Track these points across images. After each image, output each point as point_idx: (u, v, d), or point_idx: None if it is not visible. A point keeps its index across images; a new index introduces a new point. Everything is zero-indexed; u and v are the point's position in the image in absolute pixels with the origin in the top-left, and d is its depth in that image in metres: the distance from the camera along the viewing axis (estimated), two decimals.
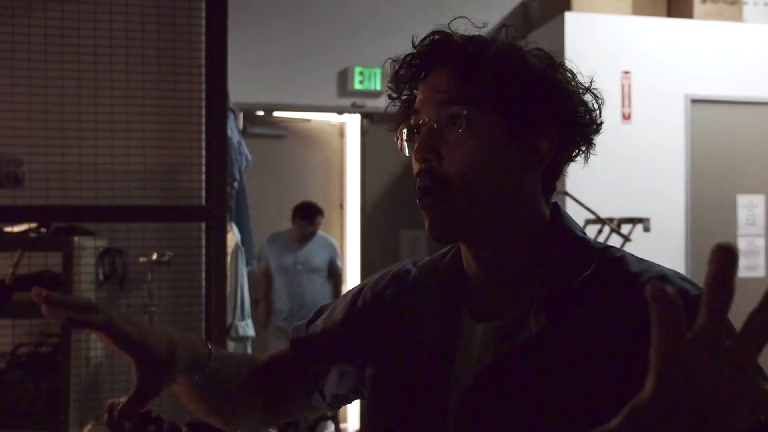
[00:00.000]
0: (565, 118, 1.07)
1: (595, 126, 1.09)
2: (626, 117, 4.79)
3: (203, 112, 3.12)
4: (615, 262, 1.04)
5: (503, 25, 1.10)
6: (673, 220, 4.82)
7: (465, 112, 1.02)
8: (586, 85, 1.09)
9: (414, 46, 1.09)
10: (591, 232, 4.39)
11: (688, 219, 4.86)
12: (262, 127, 5.43)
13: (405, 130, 1.10)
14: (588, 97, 1.09)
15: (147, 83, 3.26)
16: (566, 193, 4.39)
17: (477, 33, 1.09)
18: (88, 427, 2.54)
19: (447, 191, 1.03)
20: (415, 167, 1.07)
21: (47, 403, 3.07)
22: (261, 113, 5.43)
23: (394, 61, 1.12)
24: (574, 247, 1.07)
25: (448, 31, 1.08)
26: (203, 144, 3.14)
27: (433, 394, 1.08)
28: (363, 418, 5.41)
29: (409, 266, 1.24)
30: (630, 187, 4.75)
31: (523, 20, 5.48)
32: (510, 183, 1.05)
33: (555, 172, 1.10)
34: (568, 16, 4.75)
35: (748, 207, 5.00)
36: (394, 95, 1.13)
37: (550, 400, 0.98)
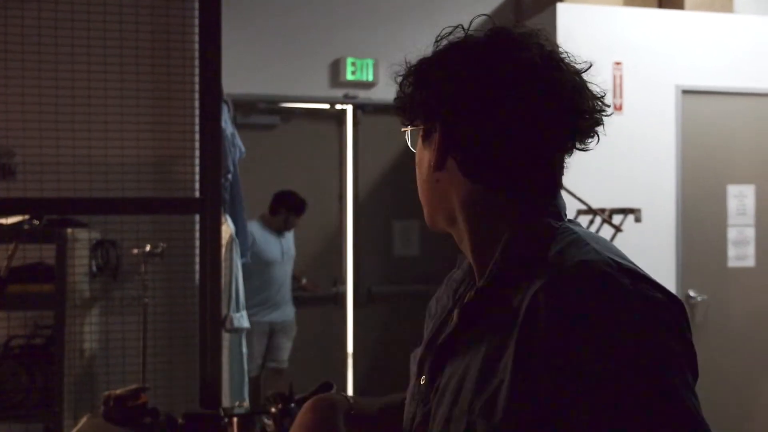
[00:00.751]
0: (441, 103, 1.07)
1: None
2: (618, 108, 4.80)
3: (197, 104, 3.12)
4: (554, 263, 0.97)
5: (440, 37, 1.11)
6: (664, 210, 4.85)
7: (407, 131, 1.16)
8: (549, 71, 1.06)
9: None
10: (582, 222, 4.40)
11: (679, 209, 4.88)
12: (255, 116, 5.41)
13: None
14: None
15: (141, 75, 3.26)
16: None
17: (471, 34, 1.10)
18: (84, 419, 2.55)
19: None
20: None
21: (41, 395, 3.07)
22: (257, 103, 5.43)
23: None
24: (524, 251, 1.02)
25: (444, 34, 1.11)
26: (197, 136, 3.14)
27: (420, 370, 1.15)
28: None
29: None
30: (621, 178, 4.77)
31: (514, 11, 5.48)
32: (436, 182, 1.11)
33: (466, 163, 1.06)
34: (560, 7, 4.76)
35: (738, 197, 5.03)
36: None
37: (472, 383, 1.00)
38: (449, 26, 1.10)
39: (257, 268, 4.90)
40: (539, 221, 1.05)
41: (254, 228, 5.08)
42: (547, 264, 0.97)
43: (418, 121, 1.11)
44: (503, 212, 1.06)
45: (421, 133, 1.12)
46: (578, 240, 1.01)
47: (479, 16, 1.18)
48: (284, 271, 5.30)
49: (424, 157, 1.12)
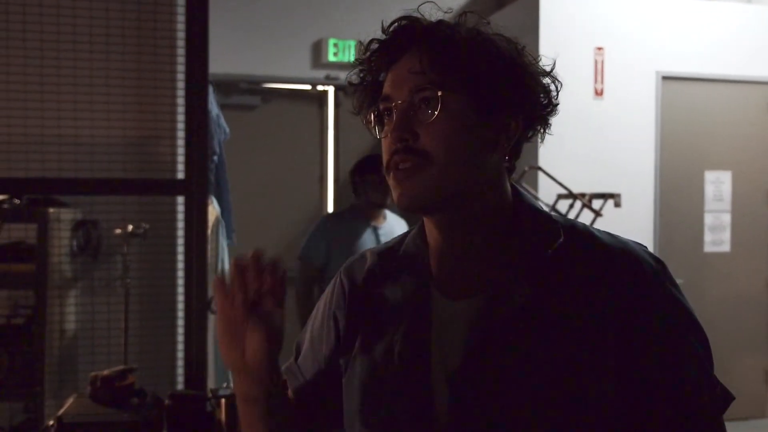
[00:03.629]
0: (531, 100, 1.11)
1: (552, 108, 1.14)
2: (599, 93, 4.84)
3: (180, 84, 3.10)
4: (583, 234, 1.12)
5: (464, 12, 1.13)
6: (642, 195, 4.91)
7: (439, 94, 1.06)
8: (547, 68, 1.14)
9: (383, 31, 1.12)
10: (563, 207, 4.45)
11: (657, 194, 4.94)
12: (236, 97, 5.38)
13: (373, 114, 1.14)
14: (547, 80, 1.13)
15: (127, 55, 3.23)
16: (539, 168, 4.44)
17: (442, 18, 1.12)
18: (71, 399, 2.55)
19: (425, 165, 1.07)
20: (390, 147, 1.10)
21: (22, 375, 3.06)
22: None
23: (362, 44, 1.14)
24: (541, 221, 1.13)
25: (418, 15, 1.11)
26: (179, 117, 3.13)
27: (413, 379, 1.10)
28: None
29: (357, 260, 1.26)
30: (601, 163, 4.81)
31: None
32: (481, 161, 1.09)
33: (517, 152, 1.15)
34: None
35: (715, 183, 5.09)
36: (363, 78, 1.15)
37: (545, 368, 1.03)
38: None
39: None
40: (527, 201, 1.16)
41: (335, 226, 3.87)
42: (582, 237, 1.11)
43: (474, 95, 1.08)
44: (507, 191, 1.15)
45: (473, 105, 1.07)
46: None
47: (450, 11, 1.15)
48: None
49: (472, 129, 1.08)
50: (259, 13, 5.22)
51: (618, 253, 1.09)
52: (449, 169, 1.06)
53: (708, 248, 5.02)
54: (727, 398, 1.09)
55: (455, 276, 1.13)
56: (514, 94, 1.09)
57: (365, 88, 1.15)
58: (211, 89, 3.31)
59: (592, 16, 4.86)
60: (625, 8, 4.93)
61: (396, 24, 1.11)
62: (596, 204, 4.35)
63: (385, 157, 1.11)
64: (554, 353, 1.03)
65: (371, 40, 1.13)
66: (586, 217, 4.30)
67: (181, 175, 3.15)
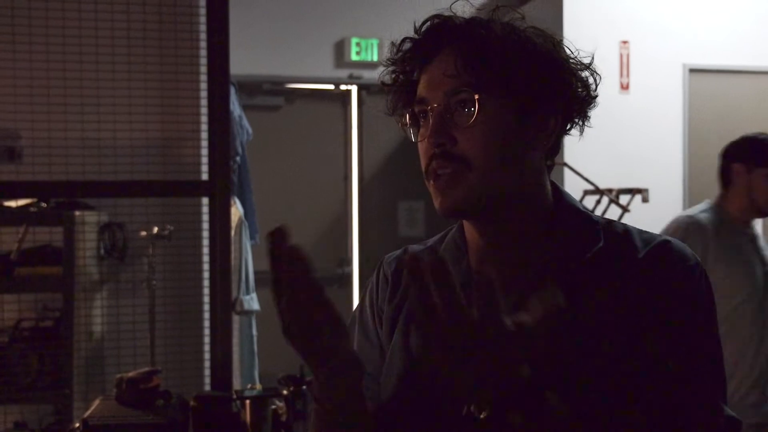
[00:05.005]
0: (569, 95, 1.09)
1: (591, 100, 1.12)
2: (624, 87, 4.79)
3: (203, 86, 3.10)
4: (622, 235, 1.09)
5: (497, 5, 1.11)
6: (671, 189, 4.84)
7: (476, 97, 1.04)
8: (585, 60, 1.12)
9: (416, 31, 1.10)
10: (589, 203, 4.40)
11: (686, 188, 4.88)
12: (259, 98, 5.39)
13: (408, 116, 1.12)
14: (585, 73, 1.11)
15: (148, 57, 3.24)
16: (565, 164, 4.40)
17: (475, 14, 1.10)
18: (97, 401, 2.56)
19: (465, 171, 1.05)
20: (427, 151, 1.07)
21: (51, 377, 3.08)
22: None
23: (393, 44, 1.12)
24: (580, 222, 1.11)
25: (450, 14, 1.09)
26: (203, 118, 3.13)
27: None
28: None
29: (400, 254, 1.24)
30: (628, 157, 4.76)
31: None
32: (520, 162, 1.07)
33: (556, 148, 1.13)
34: None
35: None
36: (395, 79, 1.13)
37: (581, 372, 1.01)
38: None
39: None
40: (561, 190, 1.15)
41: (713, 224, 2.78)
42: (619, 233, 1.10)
43: (519, 96, 1.06)
44: (548, 189, 1.13)
45: (511, 106, 1.06)
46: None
47: (482, 8, 1.13)
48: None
49: (511, 130, 1.06)
50: (282, 14, 5.22)
51: (660, 250, 1.07)
52: (489, 173, 1.05)
53: None
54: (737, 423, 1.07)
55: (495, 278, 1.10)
56: (552, 91, 1.07)
57: (398, 89, 1.13)
58: (233, 90, 3.31)
59: (617, 9, 4.81)
60: (650, 1, 4.87)
61: (428, 23, 1.09)
62: (623, 199, 4.30)
63: (423, 162, 1.09)
64: (590, 359, 1.02)
65: (404, 39, 1.10)
66: (613, 213, 4.25)
67: (205, 177, 3.16)
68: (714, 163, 4.94)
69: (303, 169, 5.35)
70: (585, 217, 1.12)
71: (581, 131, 1.15)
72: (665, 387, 1.02)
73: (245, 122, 3.54)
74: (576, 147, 4.75)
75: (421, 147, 1.09)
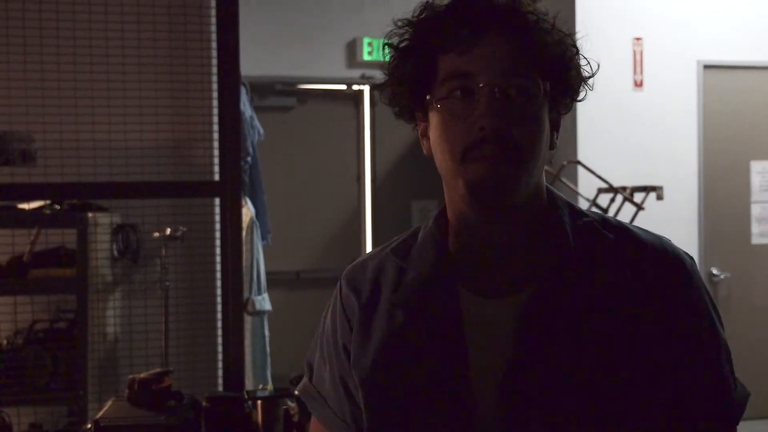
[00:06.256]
0: (578, 88, 1.08)
1: (584, 93, 1.10)
2: (638, 84, 4.75)
3: (214, 86, 3.11)
4: (619, 229, 1.09)
5: None
6: (686, 187, 4.81)
7: (539, 83, 1.00)
8: (584, 52, 1.08)
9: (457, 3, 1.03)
10: (604, 200, 4.38)
11: (701, 186, 4.84)
12: (272, 98, 5.40)
13: (435, 88, 1.03)
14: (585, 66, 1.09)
15: (159, 58, 3.25)
16: (578, 162, 4.37)
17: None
18: (109, 402, 2.57)
19: (518, 160, 1.00)
20: (470, 133, 0.99)
21: (65, 379, 3.09)
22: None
23: (427, 7, 1.04)
24: (576, 217, 1.09)
25: None
26: (215, 119, 3.13)
27: (451, 384, 1.03)
28: None
29: (358, 266, 1.18)
30: (642, 155, 4.73)
31: None
32: (546, 155, 1.06)
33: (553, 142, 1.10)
34: None
35: (761, 173, 4.97)
36: (411, 46, 1.05)
37: (600, 364, 1.00)
38: None
39: None
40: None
41: None
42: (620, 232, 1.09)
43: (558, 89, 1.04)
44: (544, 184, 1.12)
45: (543, 98, 1.02)
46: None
47: None
48: None
49: (545, 123, 1.04)
50: (293, 15, 5.22)
51: (659, 249, 1.07)
52: (535, 165, 1.02)
53: (756, 240, 4.90)
54: (747, 395, 1.09)
55: (489, 273, 1.06)
56: (578, 81, 1.06)
57: (416, 59, 1.04)
58: (244, 90, 3.31)
59: (630, 5, 4.78)
60: None
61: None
62: (638, 197, 4.27)
63: (462, 143, 1.00)
64: (607, 350, 1.01)
65: (451, 7, 1.02)
66: (627, 211, 4.22)
67: (216, 177, 3.16)
68: (730, 159, 4.91)
69: (315, 170, 5.35)
70: (577, 210, 1.11)
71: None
72: (667, 388, 1.03)
73: (256, 122, 3.54)
74: (590, 145, 4.75)
75: (461, 126, 1.00)
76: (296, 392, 1.27)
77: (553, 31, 1.03)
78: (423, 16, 1.04)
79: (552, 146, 1.07)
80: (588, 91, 1.09)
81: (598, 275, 1.04)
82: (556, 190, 1.13)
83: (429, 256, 1.10)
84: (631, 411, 1.00)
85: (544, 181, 1.10)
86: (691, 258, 1.09)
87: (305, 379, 1.24)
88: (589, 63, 1.08)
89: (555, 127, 1.07)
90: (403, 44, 1.06)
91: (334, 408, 1.17)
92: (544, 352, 1.01)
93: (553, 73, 1.02)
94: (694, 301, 1.06)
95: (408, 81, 1.05)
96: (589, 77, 1.07)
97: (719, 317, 1.09)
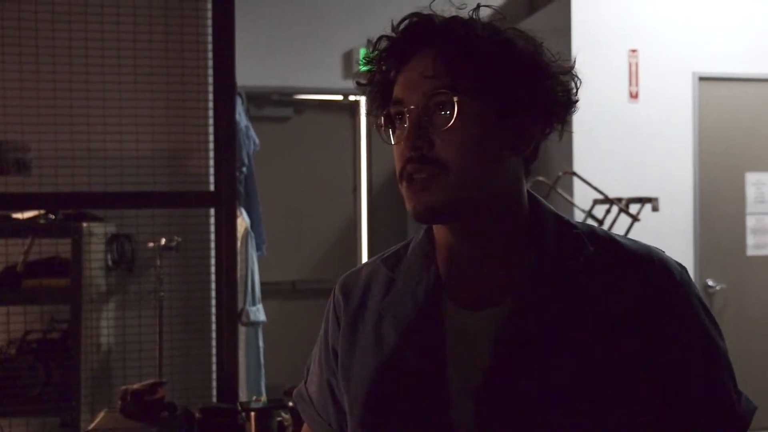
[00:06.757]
0: (550, 100, 1.06)
1: (572, 106, 1.09)
2: (633, 96, 4.76)
3: (210, 96, 3.11)
4: (606, 241, 1.08)
5: (478, 4, 1.07)
6: (681, 198, 4.80)
7: (456, 99, 1.00)
8: (566, 65, 1.08)
9: (393, 29, 1.06)
10: (599, 212, 4.37)
11: (697, 198, 4.84)
12: (268, 109, 5.40)
13: (383, 118, 1.07)
14: (565, 77, 1.08)
15: (154, 68, 3.25)
16: (574, 173, 4.37)
17: (456, 14, 1.06)
18: (101, 413, 2.56)
19: (441, 174, 1.01)
20: (403, 154, 1.04)
21: (58, 389, 3.08)
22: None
23: (371, 42, 1.08)
24: (561, 228, 1.08)
25: (430, 12, 1.06)
26: (210, 129, 3.13)
27: (429, 394, 1.04)
28: None
29: (353, 274, 1.21)
30: (638, 166, 4.73)
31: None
32: (500, 167, 1.04)
33: (535, 155, 1.09)
34: None
35: (756, 185, 4.97)
36: (372, 79, 1.09)
37: (577, 379, 0.99)
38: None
39: None
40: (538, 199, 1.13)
41: None
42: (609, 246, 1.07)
43: (499, 98, 1.02)
44: (525, 195, 1.10)
45: (490, 109, 1.02)
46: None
47: (464, 6, 1.10)
48: None
49: (491, 135, 1.03)
50: (290, 25, 5.23)
51: (645, 259, 1.05)
52: (467, 177, 1.01)
53: (751, 252, 4.90)
54: (752, 409, 1.06)
55: (471, 285, 1.07)
56: (533, 96, 1.03)
57: (375, 89, 1.09)
58: (239, 101, 3.31)
59: (626, 18, 4.79)
60: (659, 9, 4.84)
61: (407, 21, 1.05)
62: (633, 209, 4.26)
63: (398, 165, 1.05)
64: (585, 365, 0.99)
65: (380, 37, 1.07)
66: (623, 222, 4.22)
67: (212, 188, 3.16)
68: (725, 171, 4.92)
69: (311, 180, 5.35)
70: (565, 221, 1.10)
71: (560, 136, 1.11)
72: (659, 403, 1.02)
73: (252, 133, 3.54)
74: (585, 156, 4.75)
75: (397, 150, 1.05)
76: (293, 396, 1.31)
77: (493, 43, 1.02)
78: (378, 48, 1.08)
79: (517, 152, 1.05)
80: (574, 102, 1.08)
81: (578, 287, 1.03)
82: (544, 202, 1.12)
83: (416, 268, 1.12)
84: (611, 424, 0.99)
85: (524, 191, 1.09)
86: (683, 267, 1.07)
87: (301, 383, 1.28)
88: (576, 76, 1.07)
89: (519, 136, 1.05)
90: (365, 80, 1.10)
91: (319, 410, 1.22)
92: (520, 364, 1.00)
93: (487, 84, 1.01)
94: (681, 310, 1.03)
95: (374, 112, 1.10)
96: (560, 92, 1.06)
97: (717, 327, 1.06)
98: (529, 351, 1.00)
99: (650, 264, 1.04)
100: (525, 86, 1.03)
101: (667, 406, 1.01)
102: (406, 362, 1.07)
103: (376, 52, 1.07)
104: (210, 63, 3.05)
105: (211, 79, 3.05)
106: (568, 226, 1.09)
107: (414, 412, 1.05)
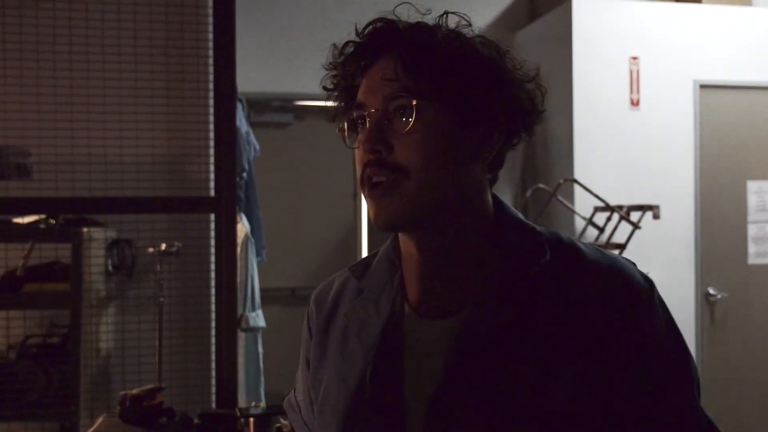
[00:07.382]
0: (513, 108, 1.05)
1: (537, 114, 1.08)
2: (634, 103, 4.76)
3: (211, 102, 3.12)
4: (569, 249, 1.06)
5: (446, 12, 1.07)
6: (682, 206, 4.80)
7: (414, 103, 0.99)
8: (531, 72, 1.07)
9: (357, 34, 1.07)
10: (600, 219, 4.37)
11: (698, 205, 4.84)
12: (268, 115, 5.41)
13: (346, 122, 1.07)
14: (530, 85, 1.07)
15: (155, 73, 3.26)
16: (575, 181, 4.37)
17: (421, 20, 1.06)
18: (100, 419, 2.55)
19: (401, 180, 1.00)
20: (362, 159, 1.03)
21: (58, 394, 3.08)
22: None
23: (336, 47, 1.09)
24: (524, 235, 1.07)
25: (393, 17, 1.06)
26: (211, 135, 3.14)
27: (386, 403, 1.04)
28: None
29: (326, 284, 1.21)
30: (639, 174, 4.72)
31: (529, 5, 5.44)
32: (461, 173, 1.03)
33: (499, 161, 1.08)
34: (576, 1, 4.72)
35: (758, 193, 4.97)
36: (336, 84, 1.09)
37: (527, 389, 0.98)
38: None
39: None
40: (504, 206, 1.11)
41: None
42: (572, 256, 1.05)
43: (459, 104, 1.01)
44: (489, 203, 1.09)
45: (451, 114, 1.01)
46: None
47: (428, 12, 1.10)
48: None
49: (452, 140, 1.02)
50: (290, 31, 5.23)
51: (606, 271, 1.03)
52: (427, 183, 1.00)
53: (752, 260, 4.90)
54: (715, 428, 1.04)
55: (433, 295, 1.06)
56: (495, 102, 1.03)
57: (339, 94, 1.09)
58: (240, 106, 3.32)
59: (627, 26, 4.79)
60: (660, 17, 4.85)
61: (371, 26, 1.06)
62: (634, 216, 4.26)
63: (358, 170, 1.04)
64: (537, 375, 0.98)
65: (346, 43, 1.07)
66: (624, 230, 4.22)
67: (212, 193, 3.16)
68: (726, 179, 4.92)
69: (312, 186, 5.35)
70: (528, 228, 1.08)
71: (516, 144, 1.10)
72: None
73: (252, 138, 3.54)
74: (586, 163, 4.75)
75: (357, 154, 1.04)
76: (283, 405, 1.32)
77: (455, 48, 1.02)
78: (343, 53, 1.08)
79: (479, 158, 1.04)
80: (538, 111, 1.08)
81: (532, 296, 1.01)
82: (511, 208, 1.10)
83: (382, 276, 1.12)
84: None
85: (488, 198, 1.08)
86: (649, 281, 1.04)
87: (291, 392, 1.29)
88: (537, 86, 1.07)
89: (481, 142, 1.04)
90: (331, 85, 1.10)
91: (305, 418, 1.23)
92: (472, 374, 1.00)
93: (446, 89, 1.01)
94: (641, 323, 1.01)
95: (339, 117, 1.10)
96: (524, 99, 1.05)
97: (681, 341, 1.04)
98: (481, 361, 1.00)
99: (608, 275, 1.02)
100: (486, 92, 1.02)
101: (625, 420, 1.00)
102: (364, 371, 1.06)
103: (341, 57, 1.07)
104: (211, 69, 3.06)
105: (211, 85, 3.06)
106: (533, 233, 1.07)
107: (371, 421, 1.05)
